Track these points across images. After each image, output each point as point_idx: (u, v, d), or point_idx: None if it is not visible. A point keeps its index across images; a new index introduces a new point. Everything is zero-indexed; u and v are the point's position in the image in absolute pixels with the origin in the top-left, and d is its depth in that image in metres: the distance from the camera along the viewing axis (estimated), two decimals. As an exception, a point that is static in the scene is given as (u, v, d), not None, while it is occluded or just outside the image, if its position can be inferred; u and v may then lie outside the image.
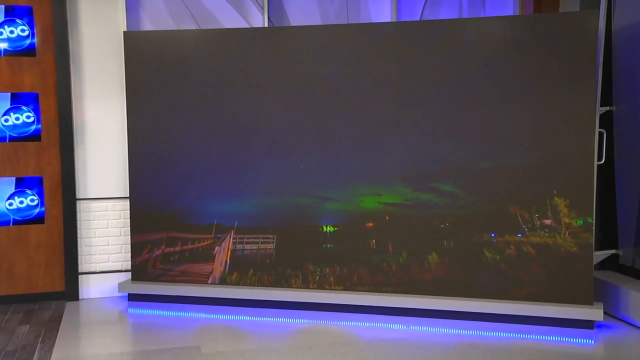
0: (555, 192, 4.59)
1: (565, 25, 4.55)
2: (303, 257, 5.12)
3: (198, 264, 5.28)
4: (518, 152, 4.67)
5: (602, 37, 4.62)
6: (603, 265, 5.20)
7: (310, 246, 5.10)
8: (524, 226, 4.66)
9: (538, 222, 4.63)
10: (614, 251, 5.09)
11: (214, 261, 5.26)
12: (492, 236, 4.74)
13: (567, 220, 4.57)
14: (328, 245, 5.07)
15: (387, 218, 4.96)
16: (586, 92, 4.52)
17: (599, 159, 4.66)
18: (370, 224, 5.00)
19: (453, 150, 4.80)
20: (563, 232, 4.58)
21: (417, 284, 4.88)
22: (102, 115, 5.51)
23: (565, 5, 5.58)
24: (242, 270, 5.21)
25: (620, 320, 4.75)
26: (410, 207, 4.91)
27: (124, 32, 5.33)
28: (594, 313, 4.46)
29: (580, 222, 4.54)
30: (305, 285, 5.09)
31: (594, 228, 4.53)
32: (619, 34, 5.00)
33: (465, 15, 5.96)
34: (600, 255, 5.02)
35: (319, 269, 5.08)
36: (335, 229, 5.06)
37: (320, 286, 5.06)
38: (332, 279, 5.05)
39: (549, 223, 4.61)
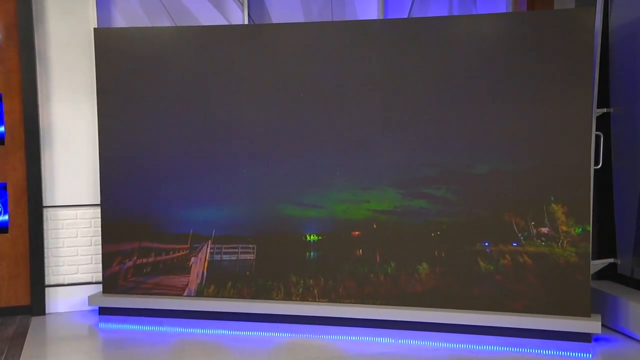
0: (552, 198, 4.57)
1: (560, 23, 4.54)
2: (285, 268, 5.06)
3: (173, 276, 5.21)
4: (512, 155, 4.65)
5: (598, 36, 4.62)
6: (601, 275, 5.18)
7: (292, 256, 5.05)
8: (519, 235, 4.64)
9: (534, 231, 4.61)
10: (612, 260, 5.07)
11: (189, 273, 5.19)
12: (486, 245, 4.71)
13: (565, 228, 4.54)
14: (312, 255, 5.02)
15: (375, 226, 4.92)
16: (582, 93, 4.50)
17: (596, 163, 4.65)
18: (357, 233, 4.96)
19: (444, 154, 4.77)
20: (561, 240, 4.56)
21: (406, 296, 4.84)
22: (71, 117, 5.45)
23: (560, 2, 5.62)
24: (220, 282, 5.14)
25: (619, 332, 4.72)
26: (400, 214, 4.87)
27: (95, 28, 5.28)
28: (592, 325, 4.44)
29: (579, 230, 4.52)
30: (288, 298, 5.03)
31: (590, 236, 4.52)
32: (616, 32, 4.99)
33: (455, 12, 5.97)
34: (597, 264, 5.00)
35: (302, 281, 5.02)
36: (320, 237, 5.01)
37: (304, 299, 5.01)
38: (316, 291, 4.99)
39: (546, 231, 4.58)
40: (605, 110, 4.94)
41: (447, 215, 4.77)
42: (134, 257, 5.25)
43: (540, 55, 4.56)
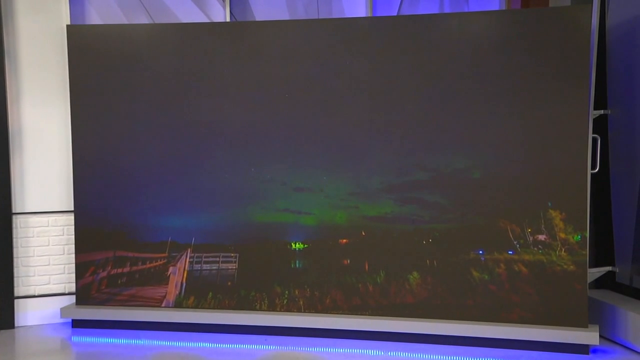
0: (549, 204, 4.56)
1: (555, 21, 4.55)
2: (269, 278, 5.03)
3: (150, 286, 5.17)
4: (507, 159, 4.65)
5: (595, 34, 4.61)
6: (598, 283, 5.18)
7: (277, 266, 5.02)
8: (515, 242, 4.63)
9: (531, 238, 4.60)
10: (609, 268, 5.06)
11: (167, 283, 5.15)
12: (480, 253, 4.69)
13: (563, 235, 4.54)
14: (297, 265, 4.98)
15: (363, 233, 4.90)
16: (579, 94, 4.50)
17: (593, 167, 4.64)
18: (344, 240, 4.94)
19: (437, 157, 4.76)
20: (559, 248, 4.54)
21: (396, 307, 4.82)
22: (42, 119, 5.40)
23: (555, 0, 5.59)
24: (200, 293, 5.11)
25: (617, 344, 4.71)
26: (390, 221, 4.85)
27: (67, 25, 5.24)
28: (589, 336, 4.44)
29: (577, 237, 4.51)
30: (272, 309, 4.99)
31: (587, 243, 4.51)
32: (613, 31, 4.99)
33: (446, 10, 5.97)
34: (595, 272, 5.00)
35: (287, 291, 5.00)
36: (305, 246, 4.99)
37: (289, 310, 4.98)
38: (301, 302, 4.97)
39: (543, 239, 4.57)
40: (602, 112, 4.94)
41: (440, 221, 4.76)
42: (109, 267, 5.20)
43: (535, 55, 4.57)
